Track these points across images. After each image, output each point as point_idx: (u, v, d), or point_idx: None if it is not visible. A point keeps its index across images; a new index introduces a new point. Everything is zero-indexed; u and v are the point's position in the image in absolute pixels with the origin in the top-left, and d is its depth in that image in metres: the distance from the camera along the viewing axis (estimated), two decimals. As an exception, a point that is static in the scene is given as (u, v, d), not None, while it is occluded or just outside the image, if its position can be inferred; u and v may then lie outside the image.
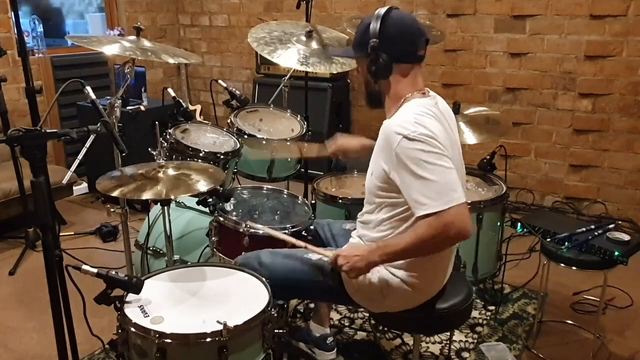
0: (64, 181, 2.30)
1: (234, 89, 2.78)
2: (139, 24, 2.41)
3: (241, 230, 2.09)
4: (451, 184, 1.48)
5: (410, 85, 1.67)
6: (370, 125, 4.49)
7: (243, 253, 2.06)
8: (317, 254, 1.81)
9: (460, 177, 1.61)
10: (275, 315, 1.58)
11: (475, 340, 2.50)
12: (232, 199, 2.23)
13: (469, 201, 2.36)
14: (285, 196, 2.47)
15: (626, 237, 2.20)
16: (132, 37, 2.36)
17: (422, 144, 1.49)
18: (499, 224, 2.54)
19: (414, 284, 1.69)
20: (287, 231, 2.10)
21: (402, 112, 1.62)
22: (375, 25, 1.61)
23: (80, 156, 1.92)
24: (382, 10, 1.63)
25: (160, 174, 1.91)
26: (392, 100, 1.70)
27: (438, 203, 1.45)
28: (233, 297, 1.65)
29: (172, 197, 1.84)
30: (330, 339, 2.29)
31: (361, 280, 1.72)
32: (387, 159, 1.57)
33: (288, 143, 2.58)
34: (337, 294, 1.78)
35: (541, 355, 2.39)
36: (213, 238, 2.20)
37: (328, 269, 1.79)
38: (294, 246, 1.85)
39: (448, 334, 2.45)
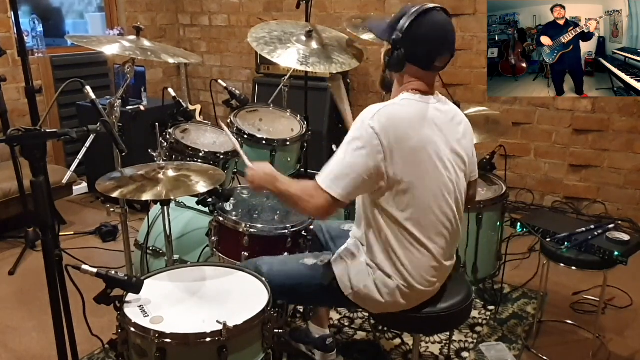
0: (64, 181, 2.31)
1: (233, 89, 2.78)
2: (138, 23, 2.41)
3: (241, 230, 2.09)
4: (337, 175, 1.59)
5: (416, 87, 1.68)
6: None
7: (243, 253, 2.07)
8: (312, 259, 1.85)
9: (435, 181, 1.63)
10: (275, 315, 1.58)
11: (475, 340, 2.50)
12: (232, 199, 2.23)
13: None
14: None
15: (626, 237, 2.20)
16: (132, 37, 2.36)
17: (359, 132, 1.58)
18: (498, 224, 2.54)
19: (409, 286, 1.69)
20: (287, 231, 2.10)
21: (384, 103, 1.66)
22: (405, 21, 1.61)
23: (80, 156, 1.92)
24: (420, 9, 1.61)
25: (160, 175, 1.91)
26: (395, 94, 1.73)
27: (321, 179, 1.61)
28: (233, 297, 1.65)
29: (172, 198, 1.84)
30: (329, 340, 2.28)
31: (357, 282, 1.72)
32: None
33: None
34: (335, 296, 1.78)
35: (541, 355, 2.39)
36: (213, 238, 2.19)
37: (322, 272, 1.79)
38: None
39: (448, 334, 2.45)
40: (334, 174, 1.59)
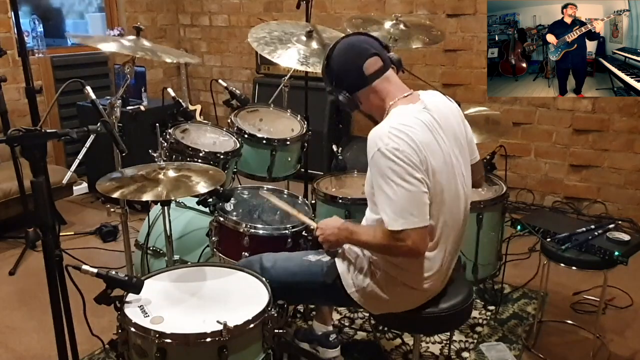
0: (64, 181, 2.30)
1: (234, 89, 2.78)
2: (138, 23, 2.41)
3: (241, 230, 2.09)
4: (410, 207, 1.52)
5: (387, 97, 1.69)
6: (370, 125, 4.47)
7: (243, 254, 2.07)
8: (316, 255, 1.85)
9: (449, 183, 1.62)
10: (275, 315, 1.58)
11: (475, 340, 2.50)
12: (232, 199, 2.23)
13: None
14: (285, 196, 2.47)
15: (626, 237, 2.20)
16: (132, 37, 2.35)
17: (391, 162, 1.52)
18: (499, 224, 2.54)
19: (413, 284, 1.69)
20: (287, 231, 2.10)
21: (386, 119, 1.64)
22: (325, 72, 1.75)
23: (80, 156, 1.92)
24: (329, 48, 1.73)
25: (161, 176, 1.91)
26: (379, 114, 1.74)
27: (395, 222, 1.52)
28: (233, 297, 1.65)
29: (172, 198, 1.84)
30: (333, 336, 2.27)
31: (360, 281, 1.73)
32: (369, 166, 1.61)
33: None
34: (337, 295, 1.78)
35: (541, 355, 2.39)
36: (213, 238, 2.20)
37: (325, 269, 1.79)
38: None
39: (448, 334, 2.45)
40: (403, 211, 1.51)
